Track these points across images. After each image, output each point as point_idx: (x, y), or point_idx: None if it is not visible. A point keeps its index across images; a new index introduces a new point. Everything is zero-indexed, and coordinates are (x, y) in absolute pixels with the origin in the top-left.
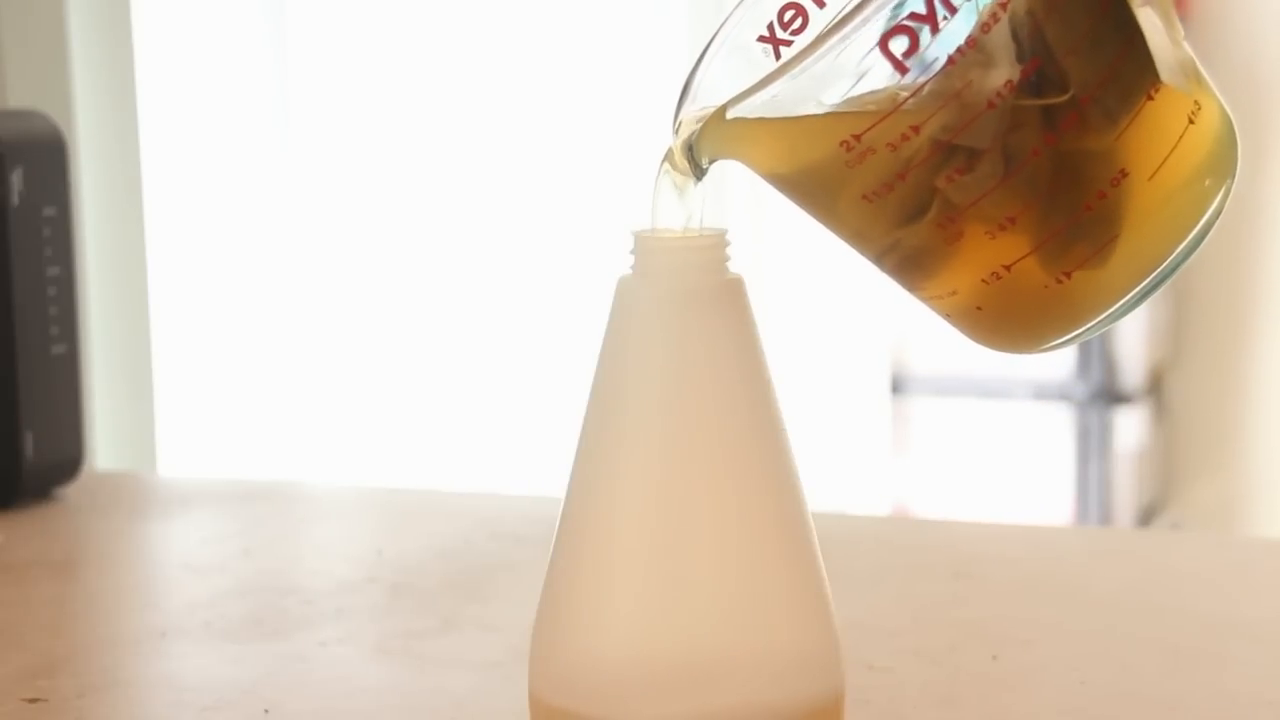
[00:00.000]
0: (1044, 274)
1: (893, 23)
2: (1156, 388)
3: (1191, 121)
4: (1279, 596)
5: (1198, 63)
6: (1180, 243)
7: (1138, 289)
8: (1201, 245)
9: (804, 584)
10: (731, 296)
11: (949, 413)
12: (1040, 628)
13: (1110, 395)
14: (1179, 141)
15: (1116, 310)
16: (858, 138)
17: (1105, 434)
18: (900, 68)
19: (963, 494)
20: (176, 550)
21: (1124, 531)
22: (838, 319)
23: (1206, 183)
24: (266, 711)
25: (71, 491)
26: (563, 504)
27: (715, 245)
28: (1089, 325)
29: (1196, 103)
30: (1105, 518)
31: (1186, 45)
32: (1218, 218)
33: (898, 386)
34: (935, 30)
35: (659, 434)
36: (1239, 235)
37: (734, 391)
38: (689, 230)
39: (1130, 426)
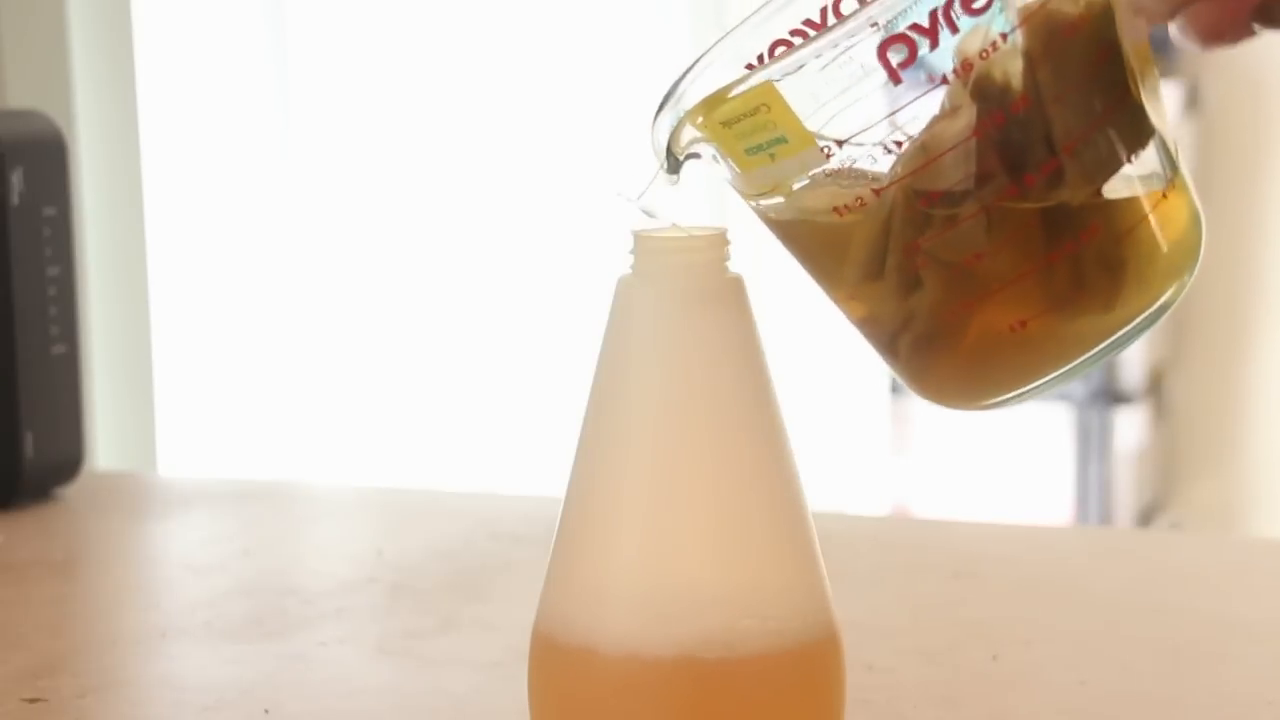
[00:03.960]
0: (1002, 318)
1: (891, 31)
2: (1156, 388)
3: (1165, 196)
4: (1279, 596)
5: (1179, 148)
6: (1133, 318)
7: (1089, 354)
8: (1144, 333)
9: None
10: (731, 296)
11: (949, 413)
12: (1040, 628)
13: (1110, 395)
14: (1150, 212)
15: (1063, 373)
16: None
17: (1105, 434)
18: (895, 78)
19: (963, 494)
20: (176, 550)
21: (1124, 531)
22: (838, 319)
23: (1166, 266)
24: (266, 711)
25: (71, 491)
26: (564, 495)
27: (715, 245)
28: (1032, 385)
29: (1172, 181)
30: (1105, 518)
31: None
32: (1168, 309)
33: (898, 386)
34: (935, 46)
35: (659, 424)
36: (1239, 236)
37: (734, 391)
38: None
39: (1130, 426)
